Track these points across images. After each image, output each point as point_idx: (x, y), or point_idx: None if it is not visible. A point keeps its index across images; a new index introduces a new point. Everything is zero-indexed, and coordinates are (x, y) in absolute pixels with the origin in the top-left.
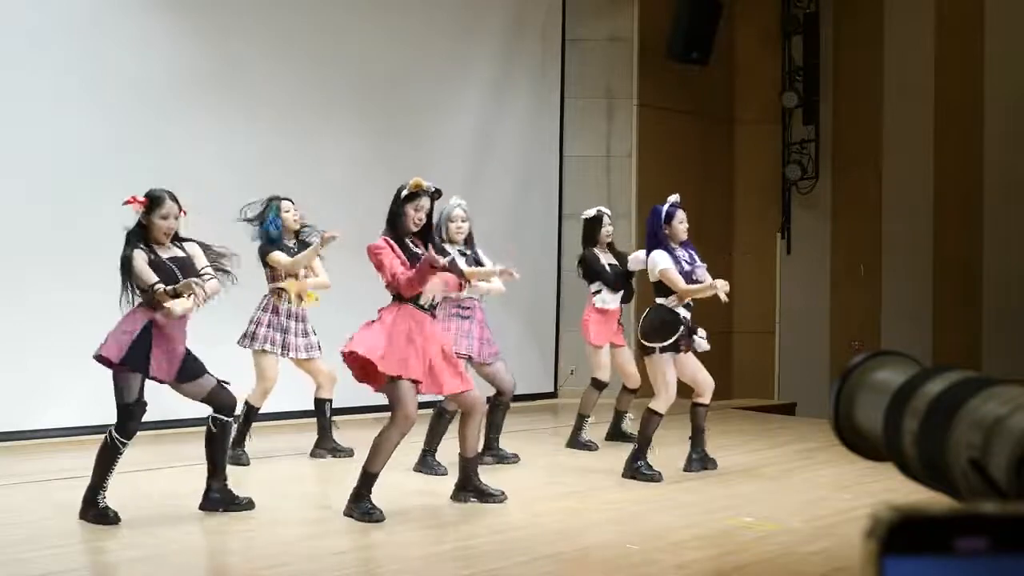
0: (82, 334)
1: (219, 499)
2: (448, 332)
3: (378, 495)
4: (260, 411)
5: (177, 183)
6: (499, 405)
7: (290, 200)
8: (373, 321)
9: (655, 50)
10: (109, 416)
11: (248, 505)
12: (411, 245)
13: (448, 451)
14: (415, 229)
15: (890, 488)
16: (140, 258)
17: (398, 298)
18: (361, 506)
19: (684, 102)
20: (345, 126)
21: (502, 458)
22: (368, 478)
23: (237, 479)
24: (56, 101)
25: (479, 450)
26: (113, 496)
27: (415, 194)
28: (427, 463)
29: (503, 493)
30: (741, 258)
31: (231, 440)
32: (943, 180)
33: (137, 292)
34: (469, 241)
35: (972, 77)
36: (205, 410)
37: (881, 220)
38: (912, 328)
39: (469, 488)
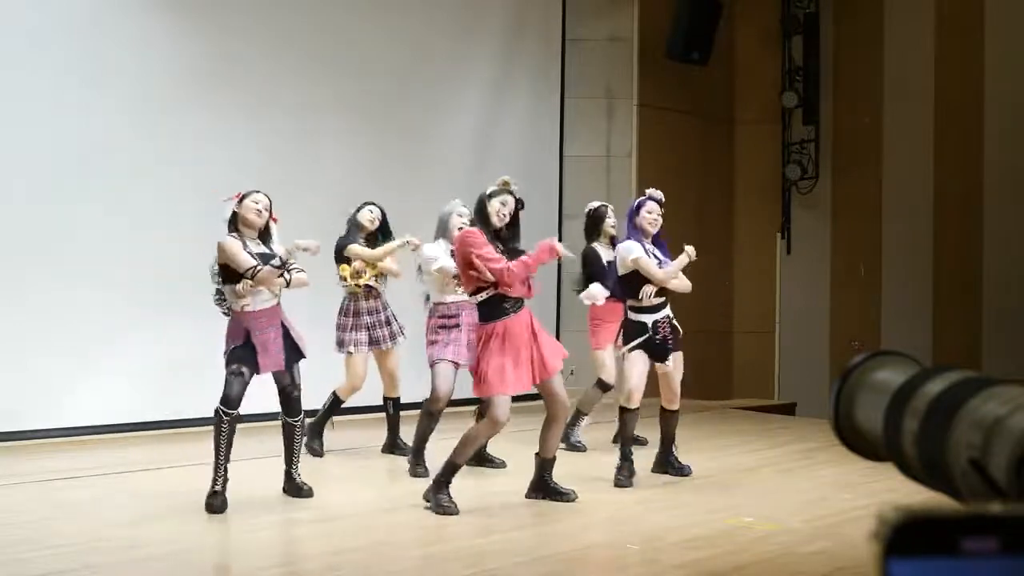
0: (82, 334)
1: (286, 488)
2: (437, 344)
3: (378, 495)
4: (344, 405)
5: (177, 183)
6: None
7: (375, 204)
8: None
9: (655, 50)
10: (109, 416)
11: (308, 493)
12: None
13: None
14: (499, 224)
15: (891, 488)
16: (236, 244)
17: (480, 313)
18: (439, 498)
19: (684, 102)
20: (345, 126)
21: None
22: (451, 468)
23: (249, 475)
24: (56, 101)
25: (554, 453)
26: (113, 496)
27: (499, 191)
28: (417, 463)
29: (574, 492)
30: (741, 258)
31: (309, 429)
32: (943, 180)
33: (224, 292)
34: None
35: (972, 77)
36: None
37: (881, 220)
38: (912, 328)
39: (541, 487)
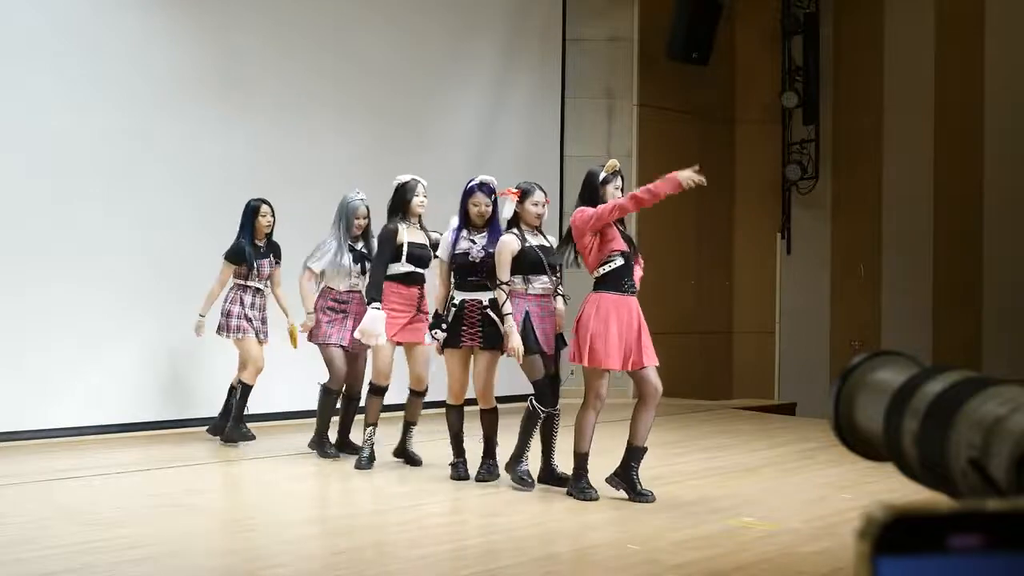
0: (82, 333)
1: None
2: (321, 326)
3: (377, 496)
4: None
5: (177, 180)
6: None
7: (267, 203)
8: (580, 315)
9: (655, 50)
10: (107, 416)
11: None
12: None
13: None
14: None
15: (890, 488)
16: (509, 248)
17: (597, 285)
18: (578, 485)
19: (684, 102)
20: (345, 125)
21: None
22: (580, 459)
23: (249, 475)
24: (56, 99)
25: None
26: (111, 496)
27: (612, 175)
28: (320, 444)
29: (652, 494)
30: (741, 258)
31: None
32: (943, 180)
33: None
34: (365, 236)
35: (972, 78)
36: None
37: (881, 220)
38: (912, 328)
39: (625, 479)
